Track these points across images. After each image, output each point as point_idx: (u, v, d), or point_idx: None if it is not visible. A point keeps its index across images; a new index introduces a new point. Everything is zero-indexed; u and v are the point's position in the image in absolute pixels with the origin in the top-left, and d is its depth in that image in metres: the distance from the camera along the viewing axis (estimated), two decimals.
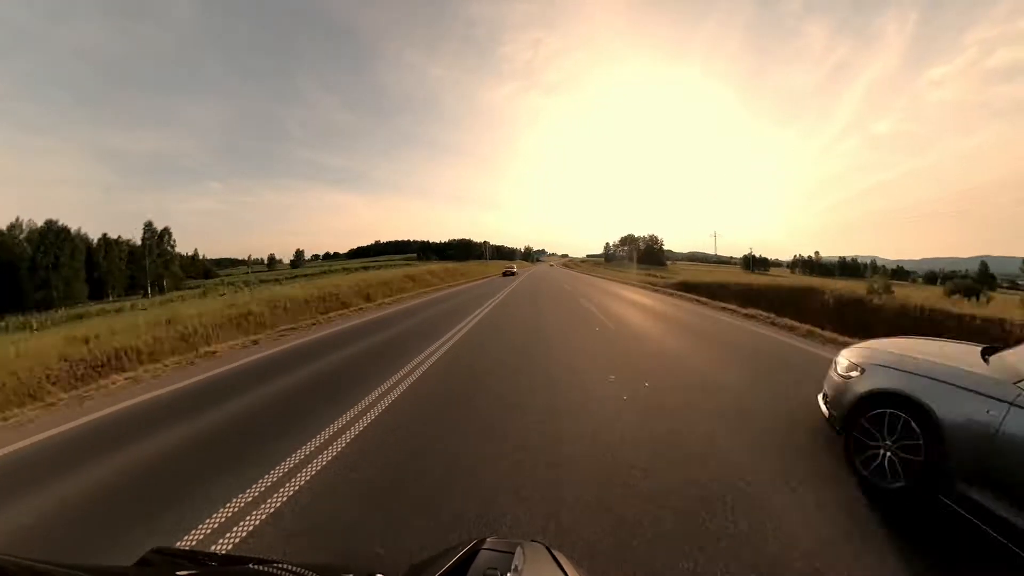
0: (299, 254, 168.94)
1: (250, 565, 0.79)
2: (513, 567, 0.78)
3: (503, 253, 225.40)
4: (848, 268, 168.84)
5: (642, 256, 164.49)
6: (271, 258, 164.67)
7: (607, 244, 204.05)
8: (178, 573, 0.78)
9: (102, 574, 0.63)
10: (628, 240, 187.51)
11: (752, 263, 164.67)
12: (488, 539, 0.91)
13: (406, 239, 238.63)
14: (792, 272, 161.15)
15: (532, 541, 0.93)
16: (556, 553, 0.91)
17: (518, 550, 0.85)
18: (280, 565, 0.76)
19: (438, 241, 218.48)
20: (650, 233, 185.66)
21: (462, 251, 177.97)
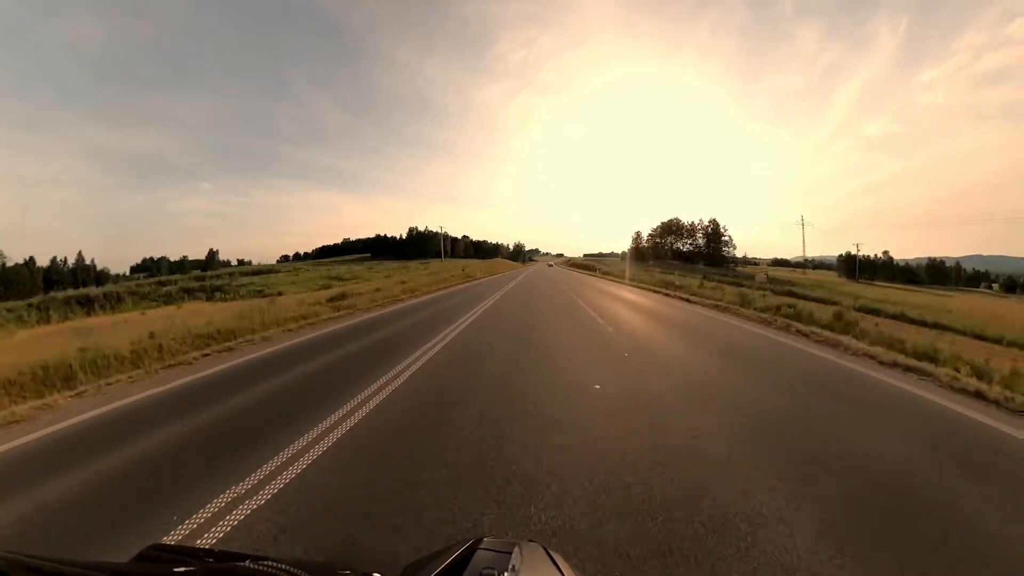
0: (211, 255, 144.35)
1: (247, 563, 0.78)
2: (510, 567, 0.78)
3: (483, 250, 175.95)
4: (938, 273, 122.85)
5: (690, 255, 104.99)
6: (183, 260, 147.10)
7: (637, 234, 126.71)
8: (175, 570, 0.77)
9: (98, 570, 0.62)
10: (672, 228, 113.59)
11: (857, 268, 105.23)
12: (485, 539, 0.90)
13: (377, 235, 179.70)
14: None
15: (529, 541, 0.93)
16: (553, 553, 0.91)
17: (515, 550, 0.85)
18: (276, 563, 0.76)
19: (396, 236, 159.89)
20: (709, 218, 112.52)
21: (418, 247, 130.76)
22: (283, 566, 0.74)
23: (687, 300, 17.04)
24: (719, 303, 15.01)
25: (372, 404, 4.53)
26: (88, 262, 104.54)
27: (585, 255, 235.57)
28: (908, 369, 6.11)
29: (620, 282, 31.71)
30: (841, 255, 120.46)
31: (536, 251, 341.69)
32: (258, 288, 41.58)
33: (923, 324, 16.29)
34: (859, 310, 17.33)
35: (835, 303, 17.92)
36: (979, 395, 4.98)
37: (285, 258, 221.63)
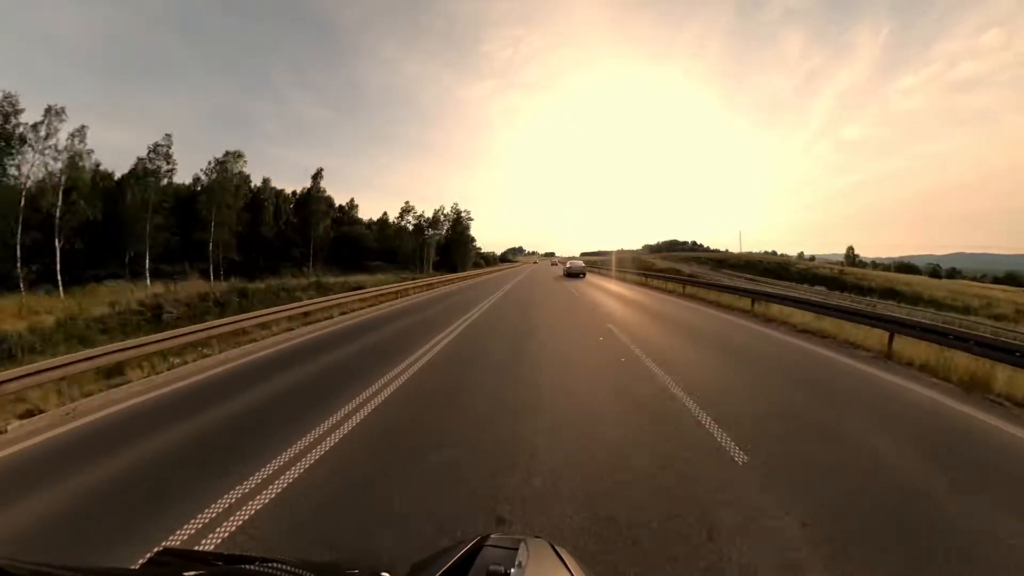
0: None
1: (256, 565, 0.79)
2: (517, 563, 0.79)
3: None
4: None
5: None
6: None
7: None
8: (185, 574, 0.79)
9: (109, 575, 0.63)
10: None
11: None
12: (491, 535, 0.92)
13: None
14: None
15: (535, 537, 0.95)
16: (559, 548, 0.92)
17: (521, 546, 0.86)
18: (285, 565, 0.77)
19: None
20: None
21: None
22: (291, 568, 0.76)
23: None
24: None
25: None
26: None
27: (583, 254, 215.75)
28: None
29: None
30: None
31: (520, 249, 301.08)
32: None
33: None
34: None
35: None
36: None
37: None
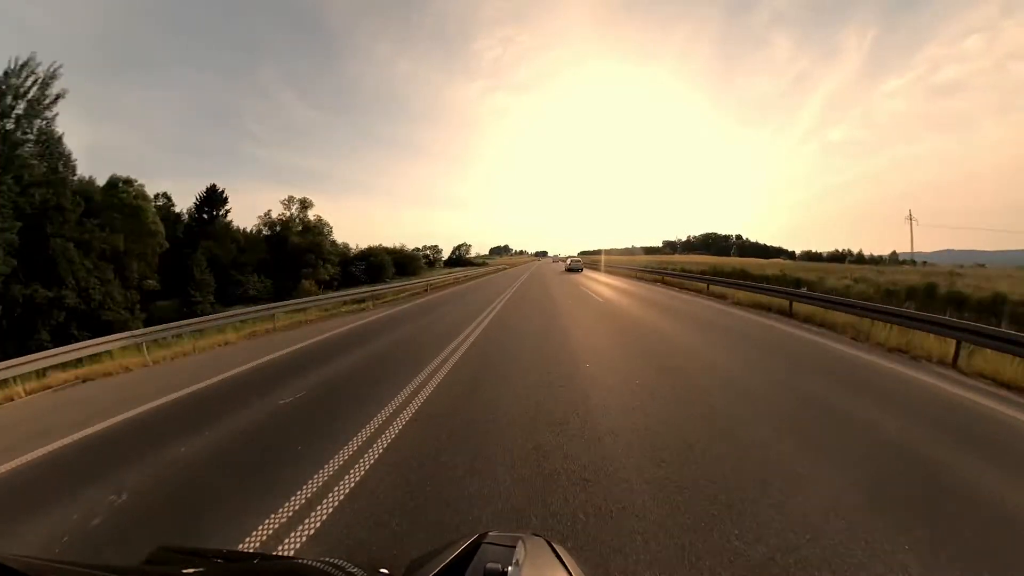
0: None
1: (255, 561, 0.79)
2: (515, 561, 0.81)
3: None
4: None
5: None
6: None
7: None
8: (184, 571, 0.79)
9: (108, 572, 0.62)
10: None
11: None
12: (490, 533, 0.93)
13: None
14: None
15: (533, 535, 0.96)
16: (557, 546, 0.94)
17: (519, 544, 0.88)
18: (284, 561, 0.78)
19: None
20: None
21: None
22: (289, 563, 0.77)
23: None
24: None
25: None
26: None
27: (581, 253, 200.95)
28: None
29: None
30: None
31: (505, 248, 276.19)
32: None
33: None
34: None
35: None
36: None
37: None
